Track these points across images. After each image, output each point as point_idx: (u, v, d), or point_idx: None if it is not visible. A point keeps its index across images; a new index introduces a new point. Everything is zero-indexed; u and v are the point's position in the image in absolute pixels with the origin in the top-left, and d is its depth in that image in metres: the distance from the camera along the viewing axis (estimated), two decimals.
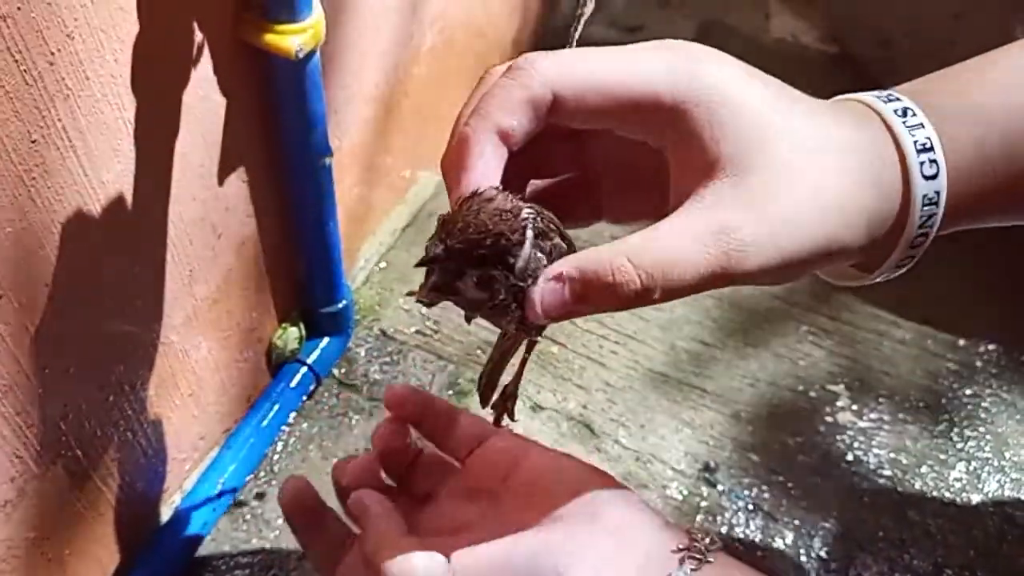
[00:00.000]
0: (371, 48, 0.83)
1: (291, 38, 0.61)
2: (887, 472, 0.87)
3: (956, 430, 0.91)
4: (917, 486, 0.86)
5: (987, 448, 0.89)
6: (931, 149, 0.38)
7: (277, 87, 0.66)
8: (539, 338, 0.44)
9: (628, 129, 0.39)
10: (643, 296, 0.35)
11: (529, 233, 0.36)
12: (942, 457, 0.88)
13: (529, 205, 0.37)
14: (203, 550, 0.78)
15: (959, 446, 0.89)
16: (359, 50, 0.81)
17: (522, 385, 0.47)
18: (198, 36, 0.59)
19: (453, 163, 0.37)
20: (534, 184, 0.44)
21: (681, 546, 0.42)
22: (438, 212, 1.08)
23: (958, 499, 0.86)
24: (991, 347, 0.97)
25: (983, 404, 0.93)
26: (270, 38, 0.61)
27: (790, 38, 1.33)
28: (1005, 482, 0.87)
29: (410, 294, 0.41)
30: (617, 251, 0.35)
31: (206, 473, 0.79)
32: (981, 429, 0.91)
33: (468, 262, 0.36)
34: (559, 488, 0.44)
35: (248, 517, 0.81)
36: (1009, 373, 0.95)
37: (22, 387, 0.55)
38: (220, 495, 0.79)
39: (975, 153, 0.38)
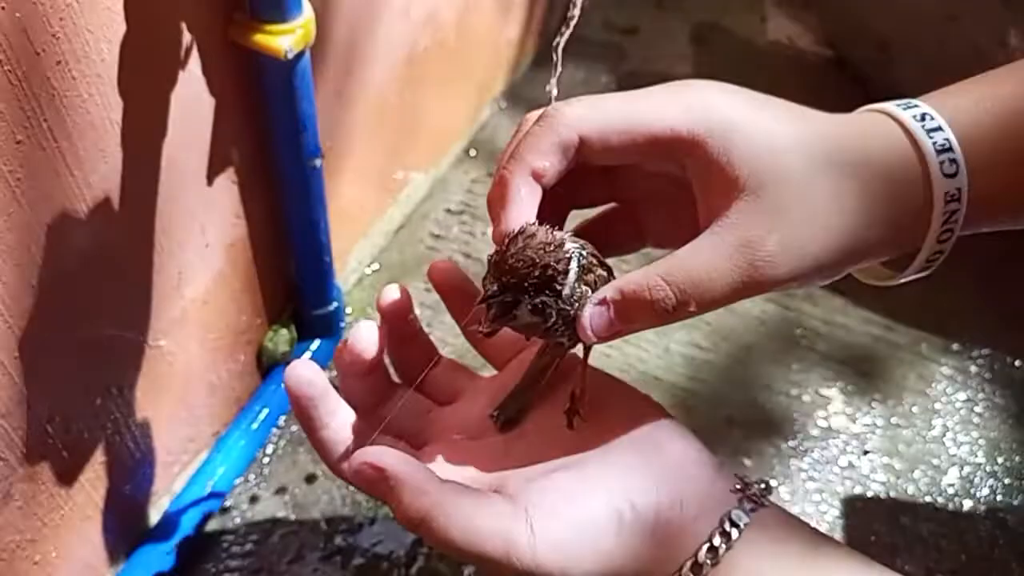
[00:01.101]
0: (362, 49, 0.82)
1: (281, 38, 0.61)
2: (880, 477, 0.87)
3: (949, 435, 0.90)
4: (910, 491, 0.86)
5: (980, 453, 0.89)
6: (950, 149, 0.40)
7: (267, 88, 0.66)
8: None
9: (652, 163, 0.44)
10: (680, 310, 0.39)
11: (573, 264, 0.40)
12: (935, 462, 0.88)
13: (570, 237, 0.41)
14: (192, 553, 0.77)
15: (952, 451, 0.89)
16: (350, 51, 0.81)
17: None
18: (186, 36, 0.59)
19: (495, 201, 0.42)
20: (579, 215, 0.48)
21: (739, 487, 0.42)
22: (431, 214, 1.08)
23: (951, 504, 0.86)
24: (984, 352, 0.97)
25: (976, 409, 0.92)
26: (259, 38, 0.61)
27: (786, 41, 1.33)
28: (998, 487, 0.87)
29: (473, 328, 0.45)
30: (652, 272, 0.40)
31: (195, 476, 0.79)
32: (974, 434, 0.90)
33: (521, 292, 0.40)
34: (616, 412, 0.44)
35: (238, 520, 0.80)
36: (1002, 378, 0.95)
37: (7, 389, 0.55)
38: (209, 498, 0.78)
39: (992, 151, 0.40)
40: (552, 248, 0.40)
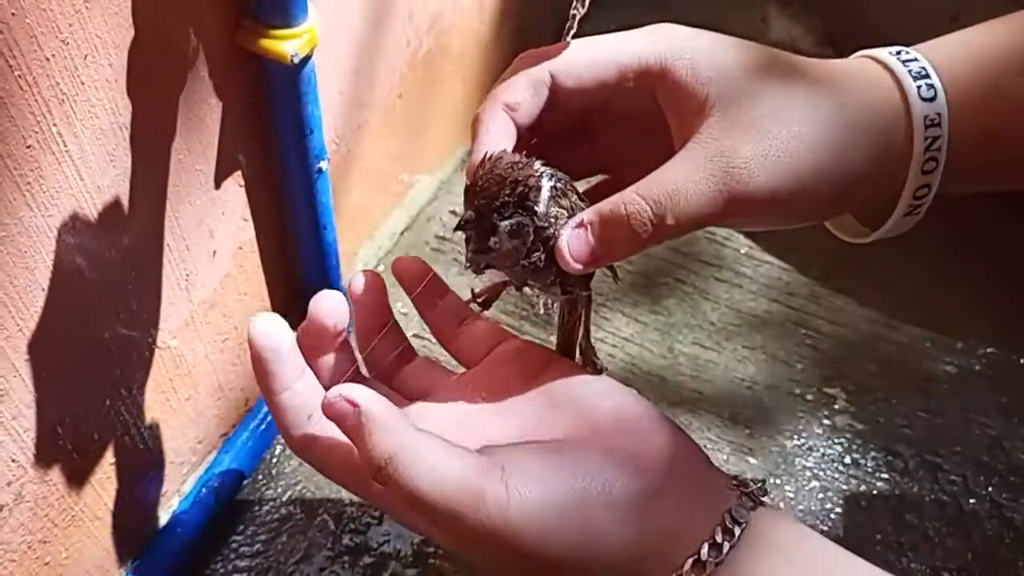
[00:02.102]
0: (367, 53, 0.83)
1: (287, 43, 0.61)
2: (885, 475, 0.87)
3: (954, 433, 0.91)
4: (915, 489, 0.86)
5: (984, 451, 0.89)
6: (927, 76, 0.40)
7: (273, 92, 0.66)
8: (592, 295, 0.45)
9: (623, 97, 0.43)
10: (659, 227, 0.38)
11: (545, 180, 0.40)
12: (939, 460, 0.88)
13: (541, 161, 0.41)
14: (201, 554, 0.78)
15: (957, 449, 0.89)
16: (355, 55, 0.81)
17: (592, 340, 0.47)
18: (194, 41, 0.60)
19: (472, 139, 0.42)
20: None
21: (735, 483, 0.40)
22: (437, 216, 1.08)
23: (956, 503, 0.86)
24: (988, 350, 0.97)
25: (980, 407, 0.93)
26: (266, 43, 0.62)
27: (787, 41, 1.33)
28: (1003, 485, 0.87)
29: (469, 302, 0.46)
30: (627, 191, 0.39)
31: (204, 477, 0.79)
32: (978, 432, 0.91)
33: (495, 213, 0.39)
34: (603, 402, 0.41)
35: (246, 520, 0.81)
36: (1006, 376, 0.95)
37: (18, 391, 0.56)
38: (218, 499, 0.79)
39: (976, 87, 0.41)
40: (522, 166, 0.39)
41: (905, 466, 0.88)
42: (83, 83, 0.52)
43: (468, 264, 0.42)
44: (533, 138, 0.43)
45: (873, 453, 0.88)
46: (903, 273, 1.02)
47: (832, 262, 1.02)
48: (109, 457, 0.67)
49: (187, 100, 0.61)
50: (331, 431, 0.40)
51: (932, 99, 0.40)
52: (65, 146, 0.52)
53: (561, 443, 0.39)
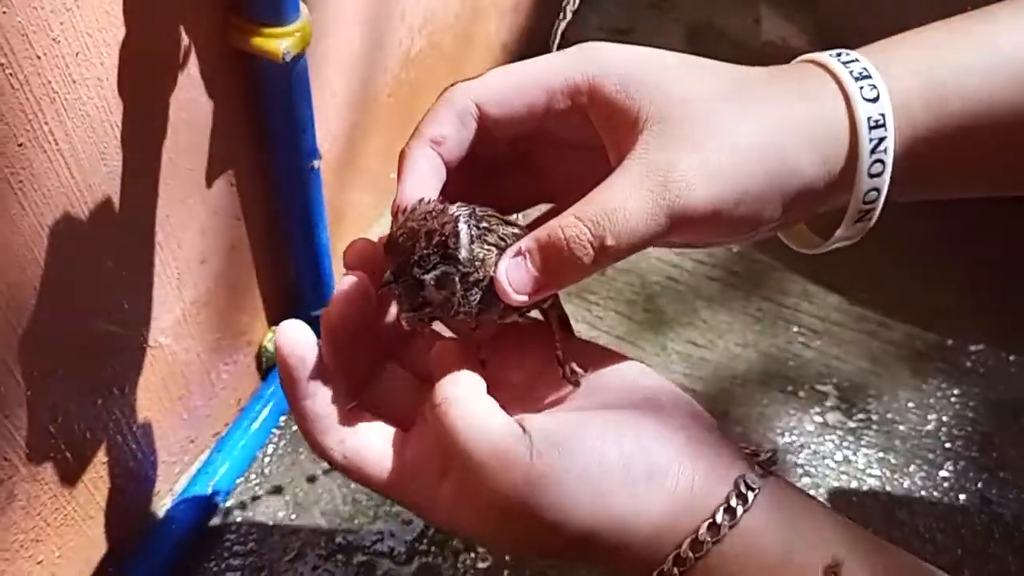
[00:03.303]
0: (358, 52, 0.83)
1: (278, 41, 0.61)
2: (876, 472, 0.87)
3: (944, 430, 0.91)
4: (906, 485, 0.87)
5: (975, 448, 0.90)
6: (869, 76, 0.39)
7: (265, 90, 0.66)
8: (553, 303, 0.43)
9: (557, 121, 0.41)
10: (600, 251, 0.37)
11: (462, 223, 0.38)
12: (930, 456, 0.89)
13: (459, 204, 0.39)
14: (194, 552, 0.78)
15: (947, 445, 0.90)
16: (346, 54, 0.81)
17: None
18: (185, 39, 0.60)
19: (398, 179, 0.41)
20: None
21: (748, 451, 0.40)
22: None
23: (946, 499, 0.86)
24: (979, 348, 0.98)
25: (971, 404, 0.93)
26: (257, 41, 0.62)
27: (780, 42, 1.33)
28: (992, 481, 0.87)
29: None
30: (565, 213, 0.38)
31: (196, 476, 0.79)
32: (969, 429, 0.91)
33: (417, 268, 0.38)
34: (615, 380, 0.43)
35: (239, 519, 0.81)
36: (996, 373, 0.96)
37: (11, 389, 0.56)
38: (210, 498, 0.79)
39: (919, 89, 0.40)
40: (436, 214, 0.38)
41: (896, 463, 0.88)
42: (74, 81, 0.52)
43: (407, 324, 0.40)
44: (468, 173, 0.42)
45: (865, 450, 0.89)
46: (895, 271, 1.02)
47: (824, 260, 1.01)
48: (101, 456, 0.67)
49: (178, 99, 0.61)
50: (360, 437, 0.41)
51: (875, 99, 0.38)
52: (57, 144, 0.53)
53: (589, 413, 0.40)
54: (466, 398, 0.39)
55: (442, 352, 0.42)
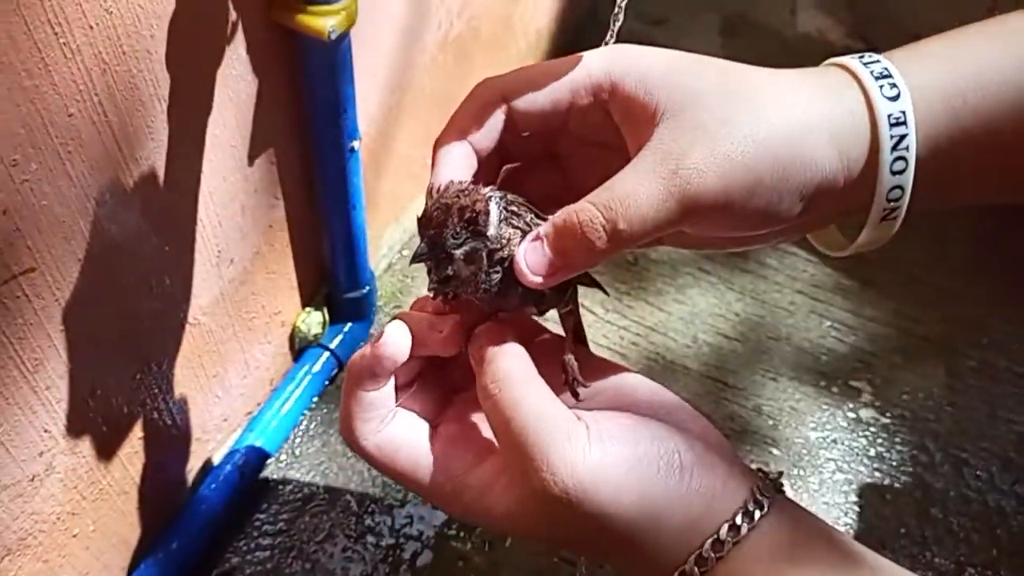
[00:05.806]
0: (399, 35, 0.83)
1: (324, 19, 0.61)
2: (909, 469, 0.86)
3: (978, 428, 0.90)
4: (940, 484, 0.86)
5: (1010, 447, 0.88)
6: (889, 76, 0.40)
7: (309, 68, 0.66)
8: (572, 309, 0.45)
9: (583, 118, 0.43)
10: (613, 235, 0.38)
11: (493, 203, 0.40)
12: (964, 455, 0.88)
13: (492, 187, 0.41)
14: (224, 531, 0.78)
15: (982, 444, 0.89)
16: (387, 37, 0.81)
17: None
18: (232, 15, 0.60)
19: (432, 167, 0.42)
20: None
21: (756, 474, 0.42)
22: None
23: (981, 498, 0.85)
24: (1014, 347, 0.96)
25: (1006, 403, 0.92)
26: (303, 18, 0.61)
27: (816, 33, 1.32)
28: None
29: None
30: (580, 200, 0.39)
31: (229, 454, 0.79)
32: (1003, 428, 0.90)
33: (448, 242, 0.40)
34: (636, 397, 0.44)
35: (269, 499, 0.81)
36: None
37: (53, 361, 0.56)
38: (242, 477, 0.79)
39: (940, 90, 0.40)
40: (468, 192, 0.40)
41: (930, 460, 0.87)
42: (124, 52, 0.52)
43: (433, 295, 0.42)
44: (497, 166, 0.44)
45: (898, 447, 0.88)
46: (930, 267, 1.01)
47: (858, 254, 1.01)
48: (137, 431, 0.67)
49: (224, 75, 0.61)
50: (395, 428, 0.43)
51: (895, 98, 0.39)
52: (105, 116, 0.52)
53: (629, 415, 0.42)
54: (524, 378, 0.40)
55: (490, 332, 0.43)
